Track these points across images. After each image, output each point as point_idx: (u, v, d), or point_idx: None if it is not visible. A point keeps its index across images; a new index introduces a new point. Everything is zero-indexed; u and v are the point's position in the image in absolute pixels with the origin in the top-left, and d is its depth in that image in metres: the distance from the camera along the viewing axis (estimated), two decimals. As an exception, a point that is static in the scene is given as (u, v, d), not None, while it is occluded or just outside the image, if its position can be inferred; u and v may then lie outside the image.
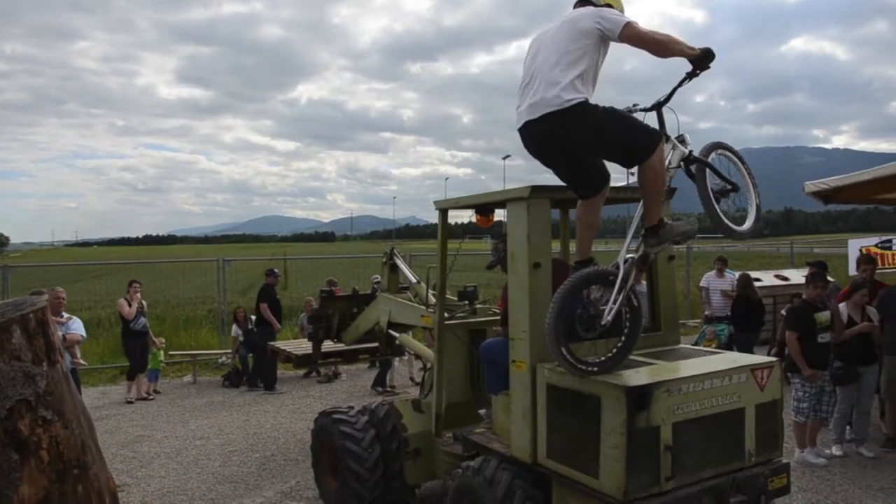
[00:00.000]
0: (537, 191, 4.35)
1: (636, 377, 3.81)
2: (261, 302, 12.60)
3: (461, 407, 5.81)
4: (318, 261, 25.68)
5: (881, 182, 8.99)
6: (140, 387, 11.40)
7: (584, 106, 3.73)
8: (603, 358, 3.84)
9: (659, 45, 3.73)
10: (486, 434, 5.12)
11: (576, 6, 4.16)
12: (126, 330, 11.42)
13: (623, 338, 3.90)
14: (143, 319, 11.46)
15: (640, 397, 3.60)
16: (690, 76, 3.89)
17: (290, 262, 25.43)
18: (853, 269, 15.36)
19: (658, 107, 4.03)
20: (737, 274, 12.33)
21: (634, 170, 4.02)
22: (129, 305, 11.29)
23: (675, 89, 3.99)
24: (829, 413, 7.56)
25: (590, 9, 3.97)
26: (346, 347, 8.39)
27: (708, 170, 4.01)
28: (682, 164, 4.05)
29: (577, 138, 3.80)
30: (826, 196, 10.15)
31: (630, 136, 3.85)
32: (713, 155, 4.17)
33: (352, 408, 6.30)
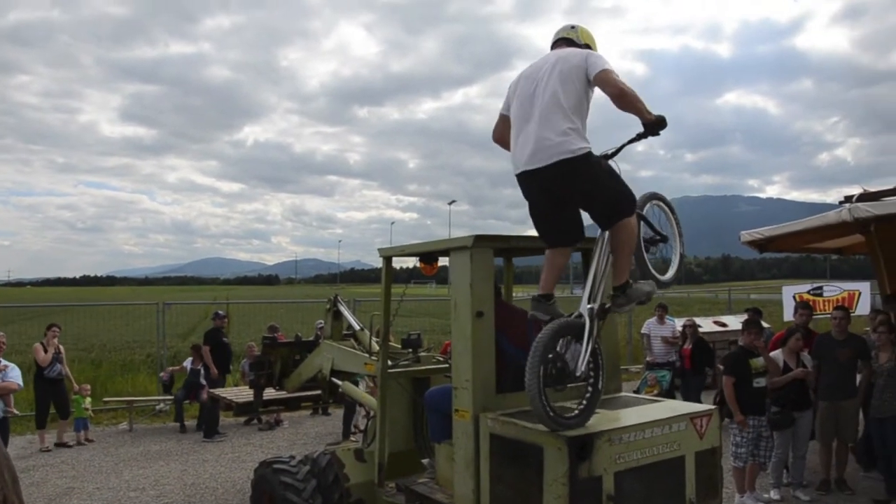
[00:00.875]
0: (480, 240, 4.38)
1: (579, 427, 3.82)
2: (205, 344, 12.36)
3: (404, 456, 5.75)
4: (261, 305, 25.29)
5: (811, 233, 9.32)
6: (60, 433, 11.00)
7: (590, 157, 3.84)
8: (577, 411, 3.83)
9: (624, 96, 3.85)
10: (430, 484, 5.06)
11: (557, 45, 4.27)
12: (39, 376, 10.90)
13: (590, 388, 3.90)
14: (58, 367, 10.95)
15: (582, 447, 3.61)
16: (640, 137, 4.00)
17: (232, 305, 25.04)
18: (788, 315, 15.84)
19: (604, 159, 4.12)
20: (677, 321, 12.58)
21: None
22: (45, 351, 10.81)
23: (623, 146, 4.11)
24: (767, 457, 7.69)
25: (578, 50, 4.10)
26: (289, 395, 8.25)
27: (641, 220, 4.17)
28: None
29: (579, 188, 3.88)
30: (761, 245, 10.47)
31: (620, 193, 3.99)
32: (648, 206, 4.34)
33: (293, 457, 6.17)
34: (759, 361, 7.68)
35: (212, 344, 12.61)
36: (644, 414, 4.16)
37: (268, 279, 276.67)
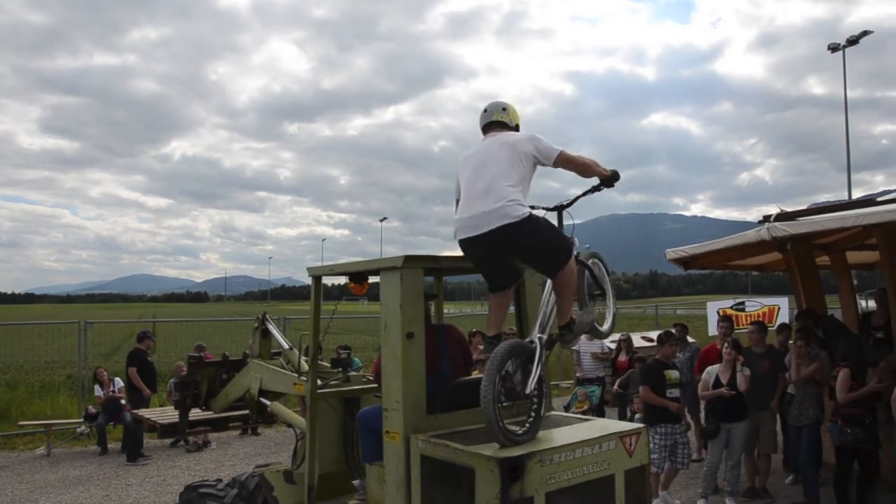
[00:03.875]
0: (410, 260, 4.36)
1: (509, 448, 3.81)
2: (129, 366, 12.02)
3: (335, 477, 5.68)
4: (188, 323, 24.69)
5: (733, 250, 9.64)
6: None
7: (532, 217, 4.13)
8: (526, 426, 3.99)
9: (586, 168, 4.33)
10: (360, 506, 5.01)
11: (491, 128, 4.56)
12: None
13: (535, 406, 4.09)
14: None
15: (513, 468, 3.62)
16: (596, 189, 4.46)
17: (159, 324, 24.38)
18: (713, 330, 16.33)
19: (560, 209, 4.52)
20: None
21: None
22: None
23: (578, 197, 4.54)
24: (684, 463, 8.16)
25: (522, 135, 4.45)
26: (216, 415, 8.07)
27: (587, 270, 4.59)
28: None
29: (525, 245, 4.15)
30: (685, 262, 10.77)
31: (558, 244, 4.29)
32: (591, 261, 4.69)
33: (220, 480, 6.03)
34: (673, 374, 8.23)
35: (136, 364, 12.30)
36: (574, 433, 4.19)
37: (196, 296, 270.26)
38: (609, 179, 4.35)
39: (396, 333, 4.28)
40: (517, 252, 4.24)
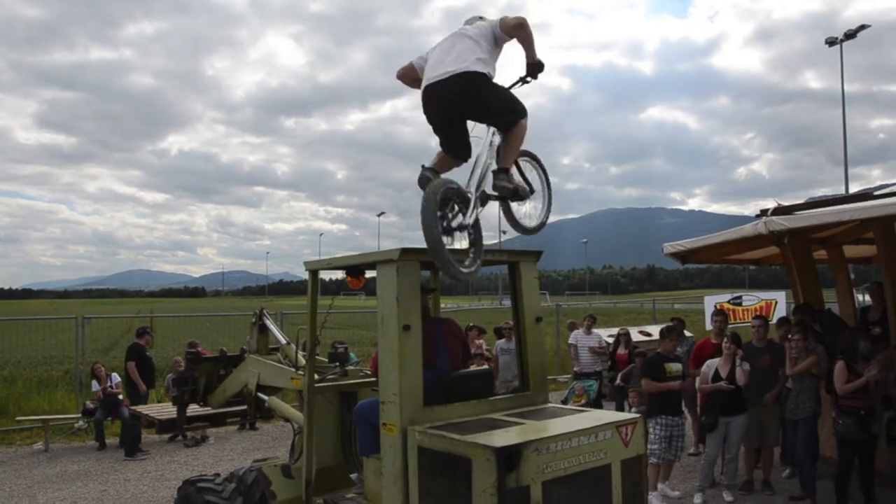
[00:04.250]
0: (407, 253, 4.39)
1: (505, 437, 3.85)
2: (128, 361, 12.02)
3: (332, 471, 5.69)
4: (187, 318, 24.68)
5: (730, 244, 9.66)
6: None
7: (490, 76, 4.62)
8: (468, 264, 4.36)
9: (525, 26, 4.67)
10: (358, 499, 5.03)
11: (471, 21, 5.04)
12: None
13: (473, 247, 4.45)
14: None
15: (509, 458, 3.64)
16: (522, 81, 4.89)
17: (157, 319, 24.36)
18: (709, 324, 16.35)
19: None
20: (602, 331, 12.82)
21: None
22: None
23: (512, 86, 4.90)
24: (677, 455, 8.31)
25: (485, 21, 4.90)
26: (213, 411, 8.08)
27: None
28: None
29: (482, 95, 4.55)
30: (683, 256, 10.78)
31: (514, 100, 4.75)
32: (520, 159, 5.12)
33: (218, 475, 6.04)
34: (674, 367, 8.29)
35: (136, 359, 12.30)
36: (571, 424, 4.21)
37: (194, 291, 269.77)
38: (535, 66, 4.77)
39: (393, 326, 4.30)
40: (473, 101, 4.56)
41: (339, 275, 5.48)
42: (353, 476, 5.56)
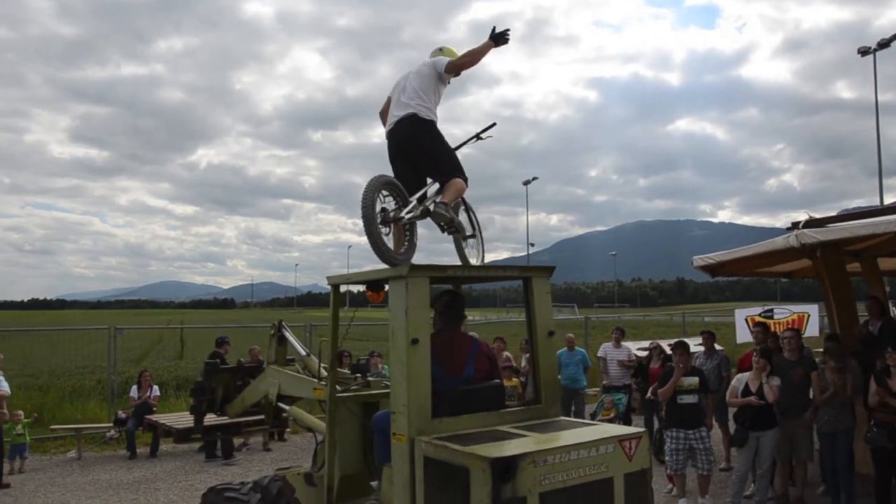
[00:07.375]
0: (416, 269, 4.49)
1: (503, 449, 3.90)
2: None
3: (354, 479, 5.74)
4: (216, 329, 24.94)
5: (760, 257, 9.53)
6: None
7: (434, 124, 5.19)
8: (405, 247, 4.90)
9: (473, 57, 5.26)
10: (375, 506, 5.07)
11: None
12: None
13: (407, 243, 4.94)
14: None
15: (505, 469, 3.67)
16: (476, 138, 5.84)
17: (187, 330, 24.62)
18: (740, 338, 16.13)
19: (476, 138, 5.84)
20: (631, 344, 12.70)
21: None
22: None
23: (468, 141, 5.78)
24: (707, 469, 8.26)
25: (431, 60, 5.48)
26: (230, 420, 8.20)
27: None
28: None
29: (424, 142, 5.11)
30: (713, 269, 10.65)
31: (450, 156, 5.26)
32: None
33: (244, 483, 6.09)
34: (687, 381, 8.34)
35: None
36: (572, 437, 4.24)
37: (223, 302, 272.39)
38: (498, 37, 5.22)
39: (402, 339, 4.40)
40: (419, 146, 5.11)
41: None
42: (373, 484, 5.61)
